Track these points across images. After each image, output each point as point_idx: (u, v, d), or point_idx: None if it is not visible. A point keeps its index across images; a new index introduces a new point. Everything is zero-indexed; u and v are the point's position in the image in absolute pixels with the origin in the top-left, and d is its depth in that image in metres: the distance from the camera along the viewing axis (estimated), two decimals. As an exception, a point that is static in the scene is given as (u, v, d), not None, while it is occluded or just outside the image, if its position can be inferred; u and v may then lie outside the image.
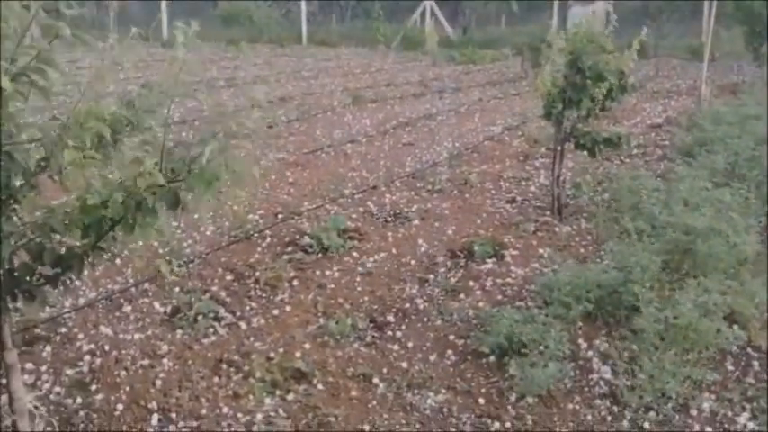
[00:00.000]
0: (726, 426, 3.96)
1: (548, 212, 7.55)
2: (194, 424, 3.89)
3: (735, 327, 4.74)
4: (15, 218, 3.00)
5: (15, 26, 2.63)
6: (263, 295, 5.47)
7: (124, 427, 3.85)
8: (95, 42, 2.83)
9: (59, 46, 2.73)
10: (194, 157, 2.95)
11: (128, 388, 4.17)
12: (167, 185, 2.88)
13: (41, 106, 2.89)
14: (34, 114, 2.95)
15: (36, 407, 3.92)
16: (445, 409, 4.08)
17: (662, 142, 11.62)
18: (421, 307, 5.34)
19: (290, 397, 4.14)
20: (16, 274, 3.10)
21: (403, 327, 5.06)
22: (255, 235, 6.76)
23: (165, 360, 4.49)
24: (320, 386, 4.26)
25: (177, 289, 5.46)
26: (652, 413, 4.01)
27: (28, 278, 3.13)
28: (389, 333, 4.96)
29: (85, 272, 3.19)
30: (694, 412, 4.05)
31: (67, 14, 2.74)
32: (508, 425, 3.95)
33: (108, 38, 3.07)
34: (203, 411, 3.98)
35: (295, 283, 5.67)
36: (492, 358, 4.54)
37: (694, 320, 4.49)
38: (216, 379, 4.30)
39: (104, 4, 31.85)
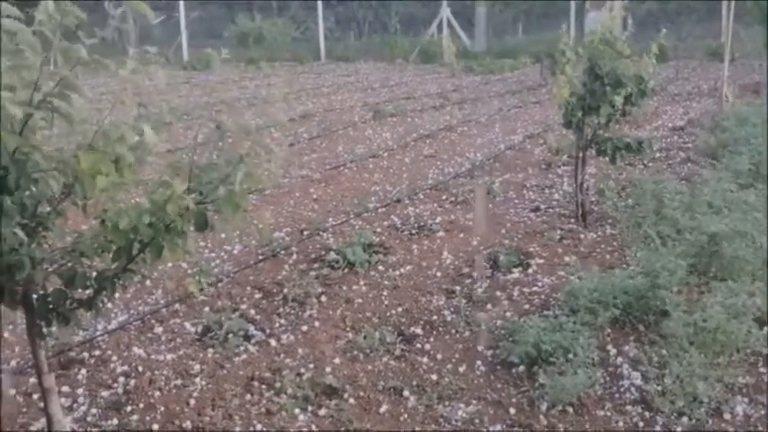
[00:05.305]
0: (761, 429, 3.94)
1: (572, 220, 7.54)
2: (229, 442, 3.95)
3: (765, 329, 4.71)
4: (46, 245, 3.07)
5: (29, 55, 2.69)
6: (292, 312, 5.52)
7: (160, 447, 3.92)
8: (114, 67, 2.87)
9: (82, 71, 2.78)
10: (222, 179, 3.01)
11: (162, 408, 4.23)
12: (196, 207, 2.94)
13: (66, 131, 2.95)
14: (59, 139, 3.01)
15: (74, 429, 4.00)
16: (477, 420, 4.09)
17: (684, 145, 11.56)
18: (448, 319, 5.36)
19: (322, 412, 4.17)
20: (50, 299, 3.17)
21: (431, 339, 5.08)
22: (282, 252, 6.82)
23: (197, 379, 4.55)
24: (351, 401, 4.29)
25: (207, 308, 5.52)
26: (684, 418, 4.00)
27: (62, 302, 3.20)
28: (418, 346, 4.99)
29: (116, 294, 3.25)
30: (728, 416, 4.02)
31: (87, 43, 2.80)
32: (540, 434, 3.96)
33: (127, 61, 3.12)
34: (237, 429, 4.02)
35: (323, 298, 5.72)
36: (521, 368, 4.55)
37: (723, 323, 4.47)
38: (248, 396, 4.35)
39: (126, 27, 32.25)
